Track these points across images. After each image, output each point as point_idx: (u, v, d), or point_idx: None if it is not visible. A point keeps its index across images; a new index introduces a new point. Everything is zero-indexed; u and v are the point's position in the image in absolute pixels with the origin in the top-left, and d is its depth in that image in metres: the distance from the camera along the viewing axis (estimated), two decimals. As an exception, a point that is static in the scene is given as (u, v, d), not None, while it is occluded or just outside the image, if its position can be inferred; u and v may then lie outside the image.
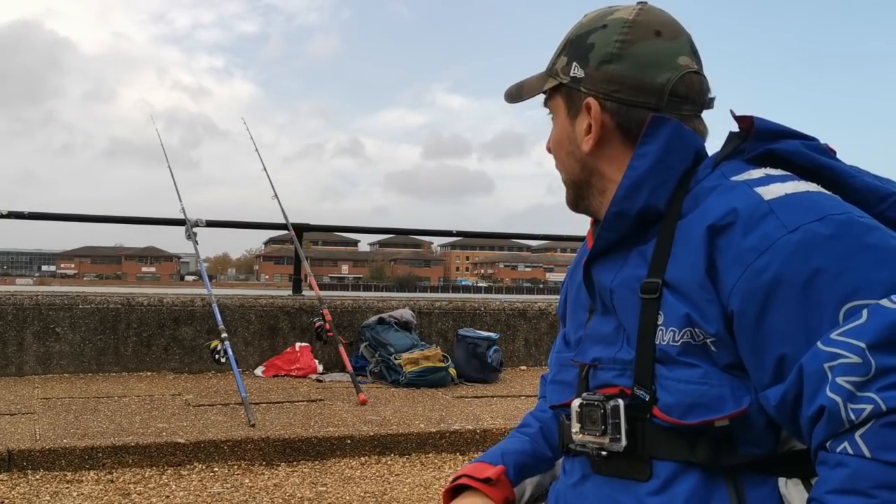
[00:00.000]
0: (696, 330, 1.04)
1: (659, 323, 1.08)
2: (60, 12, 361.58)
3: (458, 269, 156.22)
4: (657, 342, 1.07)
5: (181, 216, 5.57)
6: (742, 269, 1.01)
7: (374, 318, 6.04)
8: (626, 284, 1.14)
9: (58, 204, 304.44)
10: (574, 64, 1.21)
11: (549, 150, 1.30)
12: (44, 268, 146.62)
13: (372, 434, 4.02)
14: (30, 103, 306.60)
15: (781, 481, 1.05)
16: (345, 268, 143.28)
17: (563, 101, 1.24)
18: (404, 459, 3.97)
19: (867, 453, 0.91)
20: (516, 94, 1.30)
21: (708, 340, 1.04)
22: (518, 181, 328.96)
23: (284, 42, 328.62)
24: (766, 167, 1.10)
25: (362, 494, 3.41)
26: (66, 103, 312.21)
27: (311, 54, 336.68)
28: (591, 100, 1.19)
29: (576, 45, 1.22)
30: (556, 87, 1.24)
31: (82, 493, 3.28)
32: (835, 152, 1.13)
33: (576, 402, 1.15)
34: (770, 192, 1.04)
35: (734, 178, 1.09)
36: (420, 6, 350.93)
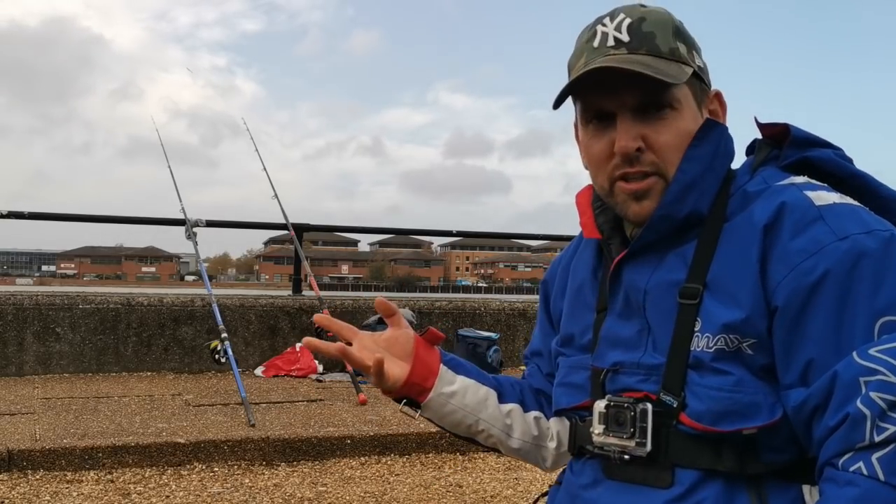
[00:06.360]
0: (732, 336, 1.04)
1: (696, 329, 1.06)
2: (99, 8, 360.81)
3: (458, 269, 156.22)
4: (692, 348, 1.06)
5: (181, 216, 5.57)
6: (789, 269, 1.02)
7: (374, 318, 6.04)
8: (662, 287, 1.11)
9: (71, 204, 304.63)
10: (694, 52, 1.16)
11: (641, 148, 1.12)
12: (44, 268, 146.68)
13: (372, 434, 4.02)
14: (56, 101, 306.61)
15: (806, 489, 1.04)
16: (345, 268, 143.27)
17: (691, 91, 1.15)
18: (404, 459, 3.97)
19: (881, 476, 0.91)
20: (651, 78, 1.08)
21: (743, 345, 1.03)
22: (536, 181, 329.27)
23: (321, 39, 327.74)
24: (802, 175, 1.12)
25: (362, 494, 3.41)
26: (93, 101, 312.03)
27: (322, 52, 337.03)
28: (718, 90, 1.19)
29: (684, 35, 1.16)
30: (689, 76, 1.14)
31: (82, 493, 3.28)
32: (852, 161, 1.15)
33: (601, 403, 1.12)
34: (819, 197, 1.06)
35: (780, 183, 1.10)
36: (425, 5, 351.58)
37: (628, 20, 1.13)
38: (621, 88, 1.11)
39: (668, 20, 1.15)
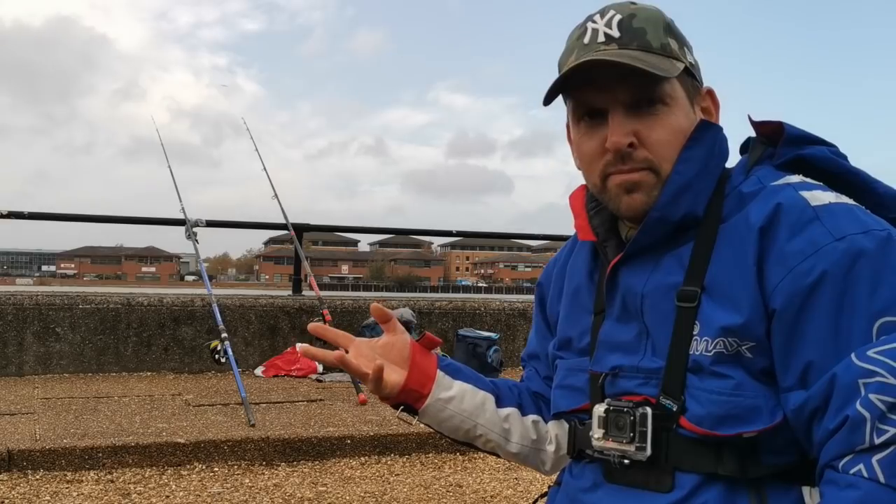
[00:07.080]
0: (730, 339, 1.03)
1: (695, 333, 1.06)
2: (102, 8, 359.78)
3: (458, 269, 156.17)
4: (691, 352, 1.06)
5: (181, 216, 5.57)
6: (786, 271, 1.01)
7: (373, 318, 6.03)
8: (659, 290, 1.10)
9: (72, 203, 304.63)
10: (685, 49, 1.15)
11: (633, 144, 1.10)
12: (44, 268, 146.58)
13: (372, 434, 4.02)
14: (59, 101, 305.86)
15: (806, 490, 1.04)
16: (345, 268, 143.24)
17: (683, 88, 1.14)
18: (404, 459, 3.97)
19: (882, 478, 0.90)
20: (642, 72, 1.07)
21: (742, 348, 1.03)
22: (538, 180, 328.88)
23: (322, 38, 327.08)
24: (797, 173, 1.11)
25: (362, 494, 3.41)
26: (95, 101, 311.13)
27: (323, 52, 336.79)
28: (711, 88, 1.18)
29: (675, 32, 1.16)
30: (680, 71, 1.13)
31: (82, 493, 3.28)
32: (847, 158, 1.14)
33: (600, 408, 1.12)
34: (815, 198, 1.05)
35: (775, 183, 1.09)
36: (426, 4, 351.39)
37: (619, 17, 1.13)
38: (612, 84, 1.10)
39: (658, 17, 1.14)
